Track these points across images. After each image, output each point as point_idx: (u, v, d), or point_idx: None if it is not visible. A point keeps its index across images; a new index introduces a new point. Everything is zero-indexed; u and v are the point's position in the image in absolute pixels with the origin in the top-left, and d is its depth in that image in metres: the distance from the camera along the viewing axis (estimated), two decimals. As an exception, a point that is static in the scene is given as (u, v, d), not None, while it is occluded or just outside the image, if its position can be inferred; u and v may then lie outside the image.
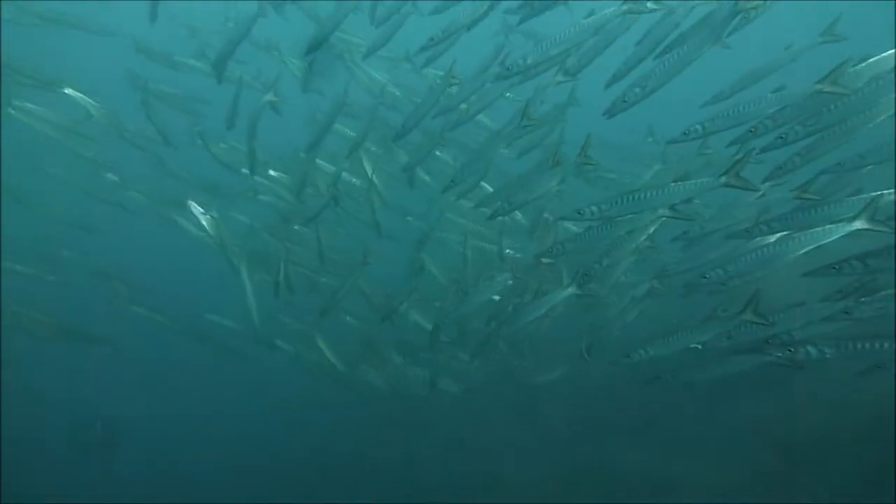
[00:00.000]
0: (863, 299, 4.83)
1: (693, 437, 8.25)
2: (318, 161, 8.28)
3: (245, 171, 8.24)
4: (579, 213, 5.16)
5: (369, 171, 8.20)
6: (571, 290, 5.76)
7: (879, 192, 4.65)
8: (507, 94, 6.64)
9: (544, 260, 6.54)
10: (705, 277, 5.24)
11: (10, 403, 9.74)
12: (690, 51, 4.74)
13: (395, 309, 8.25)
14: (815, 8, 4.90)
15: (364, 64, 9.08)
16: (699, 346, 5.33)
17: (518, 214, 8.32)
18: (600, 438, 8.84)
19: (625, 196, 5.04)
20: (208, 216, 8.14)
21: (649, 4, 4.96)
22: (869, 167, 4.92)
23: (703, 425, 8.26)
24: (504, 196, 6.32)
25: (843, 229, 4.64)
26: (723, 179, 4.79)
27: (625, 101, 4.93)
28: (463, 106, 6.33)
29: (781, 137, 4.66)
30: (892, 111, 4.37)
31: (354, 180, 8.50)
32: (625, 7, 4.96)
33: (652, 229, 5.69)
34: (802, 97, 4.63)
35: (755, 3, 4.57)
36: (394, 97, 8.92)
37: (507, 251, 8.06)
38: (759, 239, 5.09)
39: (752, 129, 4.76)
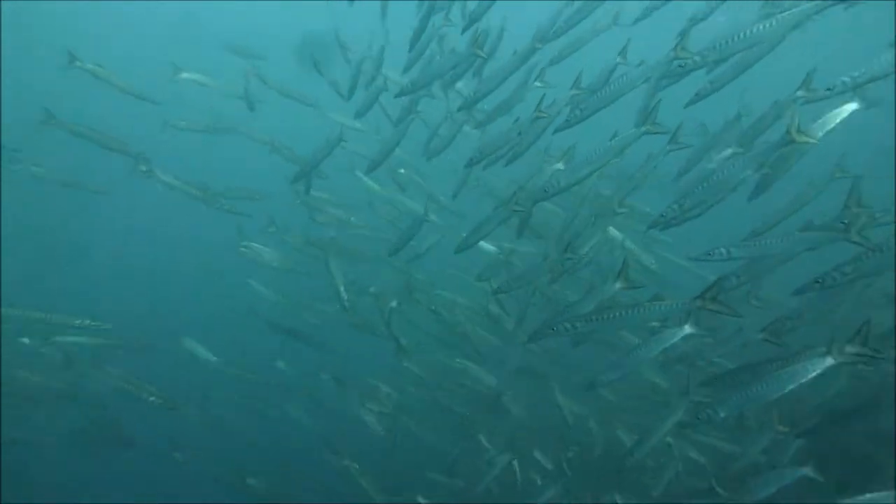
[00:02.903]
0: None
1: None
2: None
3: None
4: (553, 329, 5.08)
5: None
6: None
7: (865, 322, 4.53)
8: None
9: None
10: (698, 419, 5.02)
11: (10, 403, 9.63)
12: (730, 179, 5.08)
13: None
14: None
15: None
16: None
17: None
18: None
19: (600, 313, 4.96)
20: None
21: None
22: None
23: None
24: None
25: (820, 365, 4.45)
26: (698, 303, 4.72)
27: (663, 217, 5.47)
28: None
29: (818, 282, 4.92)
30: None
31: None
32: (643, 129, 5.36)
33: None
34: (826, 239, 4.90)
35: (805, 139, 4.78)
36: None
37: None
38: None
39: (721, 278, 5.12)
